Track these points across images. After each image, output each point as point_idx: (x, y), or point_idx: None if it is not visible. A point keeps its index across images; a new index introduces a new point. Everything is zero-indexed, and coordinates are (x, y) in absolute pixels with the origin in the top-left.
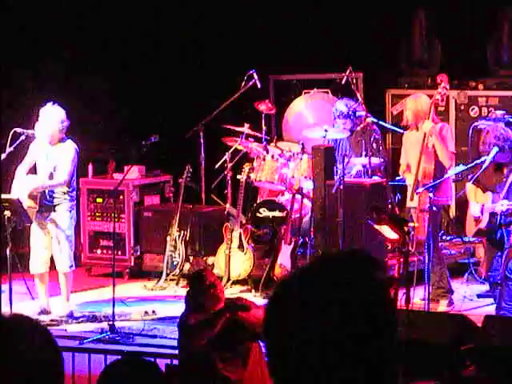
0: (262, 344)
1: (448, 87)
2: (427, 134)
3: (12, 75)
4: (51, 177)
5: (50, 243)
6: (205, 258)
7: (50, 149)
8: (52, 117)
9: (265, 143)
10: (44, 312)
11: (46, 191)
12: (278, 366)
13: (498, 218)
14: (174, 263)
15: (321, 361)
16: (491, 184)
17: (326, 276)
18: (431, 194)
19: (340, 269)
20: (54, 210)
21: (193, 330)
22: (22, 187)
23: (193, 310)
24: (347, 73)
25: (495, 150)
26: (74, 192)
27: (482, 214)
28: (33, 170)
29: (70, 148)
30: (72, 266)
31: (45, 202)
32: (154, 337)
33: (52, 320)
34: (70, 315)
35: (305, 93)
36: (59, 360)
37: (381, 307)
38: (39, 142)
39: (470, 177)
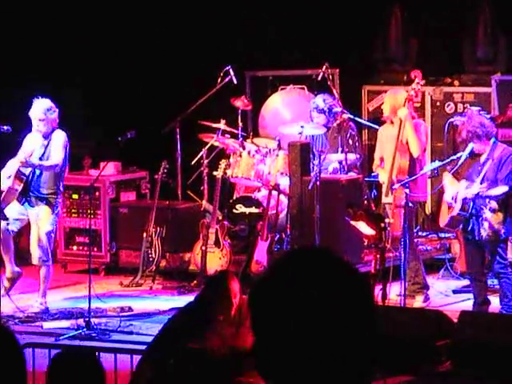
0: None
1: (422, 83)
2: (403, 120)
3: None
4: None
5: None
6: (181, 255)
7: (42, 140)
8: (42, 106)
9: (241, 139)
10: (19, 309)
11: (41, 179)
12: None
13: (471, 206)
14: (150, 259)
15: (303, 352)
16: (467, 173)
17: (305, 271)
18: (407, 190)
19: (316, 263)
20: (42, 202)
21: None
22: (6, 170)
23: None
24: (323, 69)
25: (471, 145)
26: (62, 185)
27: (456, 201)
28: None
29: (60, 135)
30: (47, 260)
31: (35, 193)
32: (130, 333)
33: (28, 316)
34: (46, 311)
35: (281, 89)
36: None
37: (359, 299)
38: (33, 135)
39: (449, 168)
